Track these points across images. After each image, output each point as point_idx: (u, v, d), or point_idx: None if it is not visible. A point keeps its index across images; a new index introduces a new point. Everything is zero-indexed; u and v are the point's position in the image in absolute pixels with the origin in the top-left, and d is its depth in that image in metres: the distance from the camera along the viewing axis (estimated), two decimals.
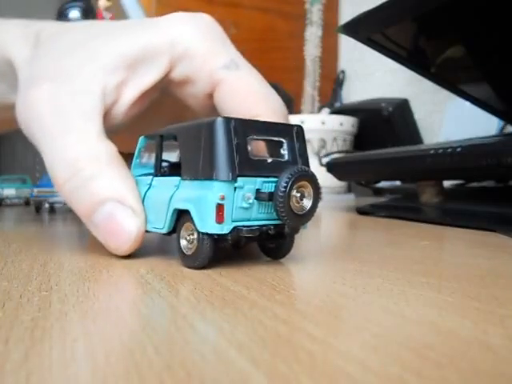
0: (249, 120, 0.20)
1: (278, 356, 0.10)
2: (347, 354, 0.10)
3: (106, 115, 0.24)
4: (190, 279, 0.18)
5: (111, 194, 0.21)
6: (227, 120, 0.19)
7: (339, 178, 0.60)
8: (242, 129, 0.19)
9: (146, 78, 0.24)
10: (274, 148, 0.21)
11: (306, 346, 0.11)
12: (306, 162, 0.21)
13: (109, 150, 0.22)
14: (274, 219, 0.20)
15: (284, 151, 0.20)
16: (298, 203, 0.19)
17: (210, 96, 0.26)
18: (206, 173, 0.19)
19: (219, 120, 0.19)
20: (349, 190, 0.90)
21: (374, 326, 0.12)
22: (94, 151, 0.22)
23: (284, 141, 0.20)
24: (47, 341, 0.11)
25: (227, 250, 0.23)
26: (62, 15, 0.53)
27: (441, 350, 0.11)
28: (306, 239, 0.21)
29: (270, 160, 0.20)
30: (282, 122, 0.23)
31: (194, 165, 0.19)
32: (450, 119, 0.85)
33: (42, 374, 0.09)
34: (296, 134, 0.21)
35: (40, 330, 0.12)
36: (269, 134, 0.20)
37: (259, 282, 0.17)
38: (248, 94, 0.25)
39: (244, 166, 0.19)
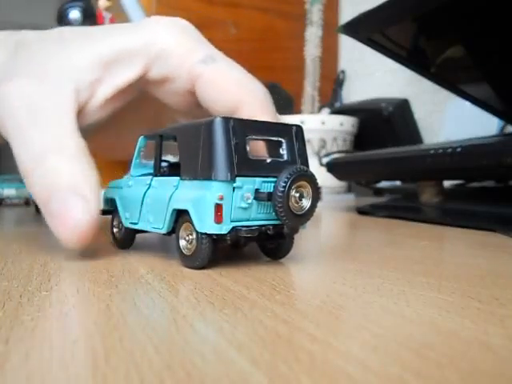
0: (247, 120, 0.20)
1: (278, 356, 0.10)
2: (347, 354, 0.10)
3: (81, 112, 0.24)
4: (190, 279, 0.18)
5: (67, 184, 0.21)
6: (226, 120, 0.19)
7: (339, 178, 0.60)
8: (241, 129, 0.19)
9: (121, 77, 0.25)
10: (273, 148, 0.21)
11: (306, 346, 0.11)
12: (306, 162, 0.21)
13: (77, 144, 0.22)
14: (273, 219, 0.20)
15: (283, 151, 0.20)
16: (297, 203, 0.19)
17: (191, 93, 0.26)
18: (205, 173, 0.19)
19: (218, 120, 0.19)
20: (349, 189, 0.90)
21: (374, 326, 0.12)
22: (61, 144, 0.22)
23: (283, 141, 0.20)
24: (47, 341, 0.11)
25: (227, 250, 0.23)
26: (62, 15, 0.53)
27: (441, 350, 0.11)
28: (306, 239, 0.21)
29: (268, 160, 0.20)
30: (265, 106, 0.23)
31: (193, 165, 0.19)
32: (450, 119, 0.85)
33: (42, 374, 0.09)
34: (295, 134, 0.21)
35: (40, 330, 0.12)
36: (268, 133, 0.20)
37: (259, 282, 0.17)
38: (228, 82, 0.25)
39: (243, 166, 0.19)
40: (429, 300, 0.15)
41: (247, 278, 0.18)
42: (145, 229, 0.22)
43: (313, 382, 0.09)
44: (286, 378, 0.09)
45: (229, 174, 0.18)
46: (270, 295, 0.15)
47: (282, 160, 0.20)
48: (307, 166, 0.21)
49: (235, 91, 0.24)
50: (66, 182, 0.21)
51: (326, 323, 0.13)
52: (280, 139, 0.20)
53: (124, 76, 0.24)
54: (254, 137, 0.20)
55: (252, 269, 0.20)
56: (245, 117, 0.23)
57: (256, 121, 0.20)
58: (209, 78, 0.25)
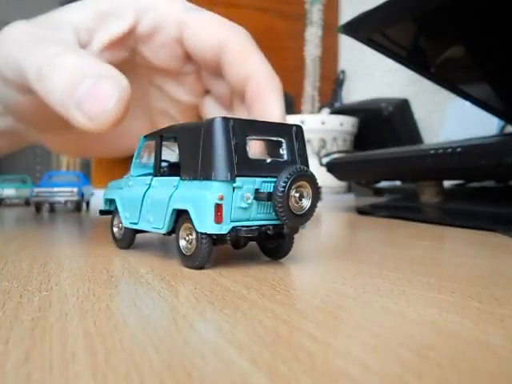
0: (248, 120, 0.20)
1: (278, 356, 0.10)
2: (347, 354, 0.10)
3: None
4: (190, 279, 0.18)
5: (93, 69, 0.22)
6: (226, 120, 0.19)
7: (339, 178, 0.60)
8: (241, 129, 0.19)
9: (114, 27, 0.26)
10: (273, 148, 0.21)
11: (306, 346, 0.11)
12: (306, 162, 0.21)
13: (89, 52, 0.24)
14: (273, 219, 0.20)
15: (283, 151, 0.20)
16: (297, 203, 0.19)
17: (179, 43, 0.27)
18: (205, 173, 0.19)
19: (218, 120, 0.19)
20: (349, 189, 0.90)
21: (374, 326, 0.12)
22: (75, 49, 0.23)
23: (283, 141, 0.20)
24: (47, 341, 0.11)
25: (227, 250, 0.23)
26: None
27: (441, 350, 0.11)
28: (306, 239, 0.21)
29: (268, 160, 0.20)
30: (248, 44, 0.25)
31: (193, 165, 0.19)
32: (450, 119, 0.85)
33: (42, 374, 0.09)
34: (295, 134, 0.21)
35: (40, 329, 0.12)
36: (268, 133, 0.20)
37: (259, 282, 0.17)
38: (213, 23, 0.26)
39: (243, 166, 0.19)
40: (429, 300, 0.15)
41: (247, 278, 0.18)
42: (145, 229, 0.22)
43: (313, 381, 0.09)
44: (286, 378, 0.09)
45: (229, 174, 0.18)
46: (270, 295, 0.15)
47: (282, 160, 0.20)
48: (307, 165, 0.21)
49: (219, 32, 0.26)
50: (91, 69, 0.22)
51: (326, 323, 0.13)
52: (280, 139, 0.20)
53: (117, 26, 0.26)
54: (253, 137, 0.20)
55: (252, 269, 0.20)
56: (231, 58, 0.24)
57: (256, 121, 0.20)
58: (195, 24, 0.26)
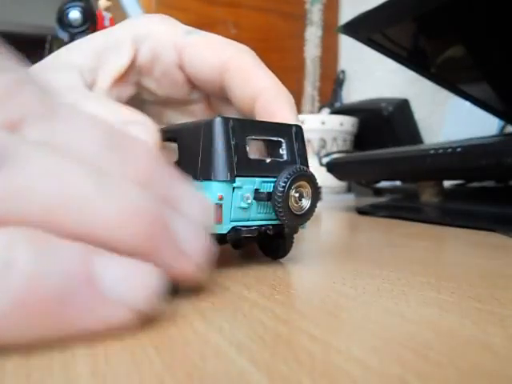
0: (247, 120, 0.20)
1: (278, 356, 0.10)
2: (347, 354, 0.10)
3: None
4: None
5: (117, 117, 0.21)
6: (225, 120, 0.19)
7: (339, 178, 0.60)
8: (241, 129, 0.19)
9: (115, 63, 0.25)
10: (273, 148, 0.21)
11: (306, 345, 0.11)
12: (305, 162, 0.21)
13: (102, 94, 0.23)
14: (273, 219, 0.20)
15: (283, 151, 0.20)
16: (297, 203, 0.19)
17: (180, 70, 0.26)
18: (205, 173, 0.19)
19: (217, 120, 0.19)
20: (349, 189, 0.90)
21: (374, 326, 0.12)
22: (88, 94, 0.23)
23: (283, 141, 0.20)
24: (47, 341, 0.11)
25: (227, 250, 0.23)
26: (62, 15, 0.53)
27: (441, 350, 0.11)
28: (306, 239, 0.21)
29: (268, 160, 0.20)
30: (253, 63, 0.24)
31: (193, 166, 0.19)
32: (450, 119, 0.85)
33: (42, 374, 0.09)
34: (295, 134, 0.21)
35: None
36: (267, 133, 0.20)
37: (259, 282, 0.17)
38: (214, 45, 0.25)
39: (242, 166, 0.19)
40: (429, 300, 0.15)
41: (247, 278, 0.18)
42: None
43: (313, 382, 0.09)
44: (285, 378, 0.09)
45: (228, 174, 0.18)
46: (270, 295, 0.15)
47: (281, 160, 0.20)
48: (307, 166, 0.21)
49: (221, 50, 0.25)
50: (114, 117, 0.20)
51: (326, 323, 0.13)
52: (280, 139, 0.20)
53: (118, 61, 0.25)
54: (253, 137, 0.20)
55: (252, 269, 0.20)
56: (235, 78, 0.23)
57: (255, 121, 0.20)
58: (195, 46, 0.25)
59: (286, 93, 0.24)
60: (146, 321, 0.13)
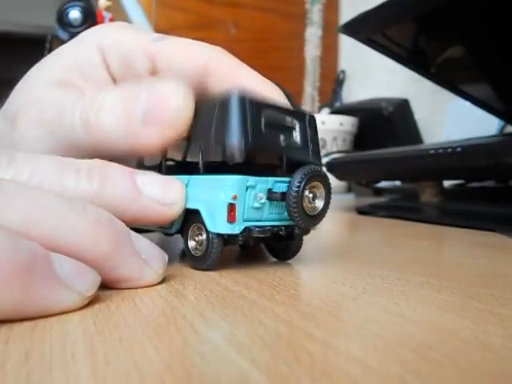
0: (262, 99, 0.19)
1: (278, 356, 0.10)
2: (347, 354, 0.10)
3: None
4: (190, 279, 0.18)
5: (136, 86, 0.20)
6: (242, 96, 0.18)
7: (339, 178, 0.60)
8: (256, 107, 0.19)
9: (95, 79, 0.24)
10: (286, 132, 0.20)
11: (306, 346, 0.11)
12: (317, 148, 0.21)
13: None
14: (285, 220, 0.19)
15: (296, 135, 0.20)
16: (310, 204, 0.19)
17: (154, 75, 0.24)
18: (218, 146, 0.18)
19: (234, 95, 0.18)
20: (349, 189, 0.90)
21: (374, 326, 0.12)
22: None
23: (296, 123, 0.20)
24: (47, 341, 0.11)
25: (227, 250, 0.23)
26: (61, 15, 0.53)
27: (441, 350, 0.11)
28: (306, 239, 0.21)
29: (282, 137, 0.19)
30: (234, 62, 0.23)
31: (205, 140, 0.19)
32: (450, 119, 0.85)
33: (42, 374, 0.09)
34: (308, 122, 0.21)
35: (40, 329, 0.12)
36: (282, 113, 0.20)
37: (259, 281, 0.17)
38: (187, 48, 0.24)
39: (257, 138, 0.18)
40: (429, 300, 0.15)
41: (247, 278, 0.18)
42: (151, 228, 0.22)
43: (313, 382, 0.09)
44: (286, 378, 0.09)
45: (243, 141, 0.18)
46: (270, 295, 0.15)
47: (294, 142, 0.20)
48: (319, 152, 0.20)
49: (197, 55, 0.23)
50: (137, 85, 0.20)
51: (326, 323, 0.13)
52: (294, 121, 0.20)
53: (96, 77, 0.24)
54: (268, 115, 0.19)
55: (252, 269, 0.20)
56: (220, 80, 0.22)
57: (271, 101, 0.20)
58: (168, 52, 0.24)
59: (274, 85, 0.23)
60: (146, 321, 0.13)
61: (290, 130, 0.20)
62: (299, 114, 0.20)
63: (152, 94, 0.20)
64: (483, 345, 0.11)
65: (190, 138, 0.20)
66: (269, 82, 0.23)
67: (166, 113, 0.19)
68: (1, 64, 1.70)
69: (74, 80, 0.23)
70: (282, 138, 0.19)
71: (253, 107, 0.18)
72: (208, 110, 0.19)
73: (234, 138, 0.18)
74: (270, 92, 0.23)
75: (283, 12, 1.12)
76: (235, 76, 0.23)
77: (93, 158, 0.21)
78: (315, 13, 0.94)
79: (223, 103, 0.18)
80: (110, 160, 0.20)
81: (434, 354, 0.10)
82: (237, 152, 0.18)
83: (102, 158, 0.21)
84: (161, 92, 0.20)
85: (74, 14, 0.53)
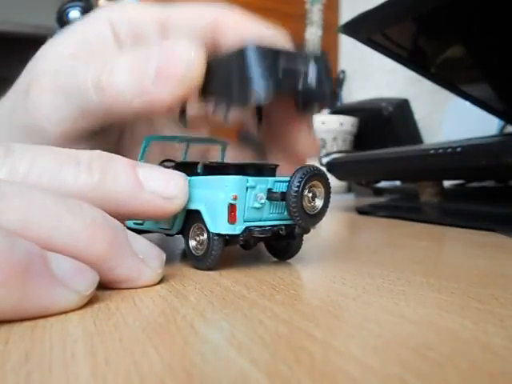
0: (277, 47, 0.20)
1: (278, 356, 0.10)
2: (347, 354, 0.10)
3: None
4: (190, 279, 0.18)
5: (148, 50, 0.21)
6: (256, 44, 0.19)
7: (339, 177, 0.60)
8: (271, 52, 0.19)
9: (105, 52, 0.24)
10: (301, 75, 0.21)
11: (306, 346, 0.11)
12: (330, 87, 0.21)
13: None
14: (285, 219, 0.19)
15: (310, 75, 0.20)
16: (310, 203, 0.19)
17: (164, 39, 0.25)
18: (242, 90, 0.19)
19: (249, 43, 0.19)
20: (349, 189, 0.90)
21: (374, 326, 0.12)
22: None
23: (309, 65, 0.21)
24: (47, 341, 0.11)
25: (227, 250, 0.23)
26: (61, 15, 0.53)
27: (441, 350, 0.11)
28: (305, 239, 0.21)
29: (298, 81, 0.20)
30: (245, 17, 0.24)
31: (227, 93, 0.19)
32: (450, 119, 0.85)
33: (42, 374, 0.09)
34: (320, 62, 0.21)
35: (40, 329, 0.12)
36: (295, 56, 0.20)
37: (259, 282, 0.17)
38: (194, 9, 0.25)
39: (276, 84, 0.19)
40: (429, 300, 0.15)
41: (247, 278, 0.18)
42: (151, 229, 0.22)
43: (313, 382, 0.09)
44: (286, 377, 0.09)
45: (265, 87, 0.18)
46: (270, 295, 0.15)
47: (309, 82, 0.20)
48: (331, 91, 0.21)
49: (208, 14, 0.24)
50: (148, 50, 0.21)
51: (326, 323, 0.13)
52: (307, 63, 0.20)
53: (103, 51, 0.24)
54: (283, 59, 0.20)
55: (252, 269, 0.20)
56: (227, 32, 0.23)
57: (282, 47, 0.21)
58: (178, 15, 0.25)
59: (281, 32, 0.24)
60: (146, 321, 0.13)
61: (304, 73, 0.20)
62: (311, 57, 0.21)
63: (163, 51, 0.20)
64: (483, 345, 0.11)
65: (209, 94, 0.21)
66: (276, 29, 0.24)
67: (177, 68, 0.20)
68: (1, 64, 1.70)
69: (85, 54, 0.23)
70: (297, 81, 0.20)
71: (269, 55, 0.19)
72: (225, 63, 0.20)
73: (256, 86, 0.18)
74: (280, 39, 0.23)
75: (283, 12, 1.12)
76: (245, 29, 0.24)
77: (106, 123, 0.22)
78: (315, 13, 0.94)
79: (241, 55, 0.19)
80: (122, 125, 0.20)
81: (434, 354, 0.10)
82: (261, 96, 0.18)
83: (114, 122, 0.21)
84: (172, 48, 0.20)
85: (74, 14, 0.53)
